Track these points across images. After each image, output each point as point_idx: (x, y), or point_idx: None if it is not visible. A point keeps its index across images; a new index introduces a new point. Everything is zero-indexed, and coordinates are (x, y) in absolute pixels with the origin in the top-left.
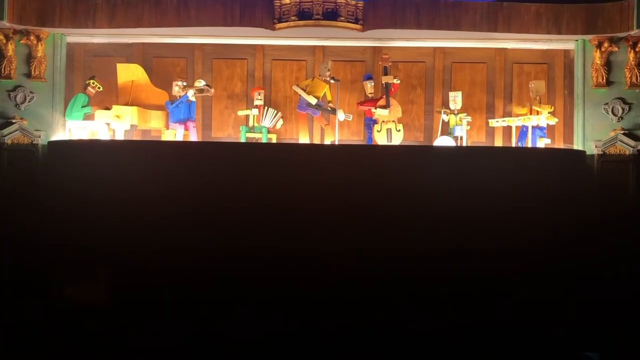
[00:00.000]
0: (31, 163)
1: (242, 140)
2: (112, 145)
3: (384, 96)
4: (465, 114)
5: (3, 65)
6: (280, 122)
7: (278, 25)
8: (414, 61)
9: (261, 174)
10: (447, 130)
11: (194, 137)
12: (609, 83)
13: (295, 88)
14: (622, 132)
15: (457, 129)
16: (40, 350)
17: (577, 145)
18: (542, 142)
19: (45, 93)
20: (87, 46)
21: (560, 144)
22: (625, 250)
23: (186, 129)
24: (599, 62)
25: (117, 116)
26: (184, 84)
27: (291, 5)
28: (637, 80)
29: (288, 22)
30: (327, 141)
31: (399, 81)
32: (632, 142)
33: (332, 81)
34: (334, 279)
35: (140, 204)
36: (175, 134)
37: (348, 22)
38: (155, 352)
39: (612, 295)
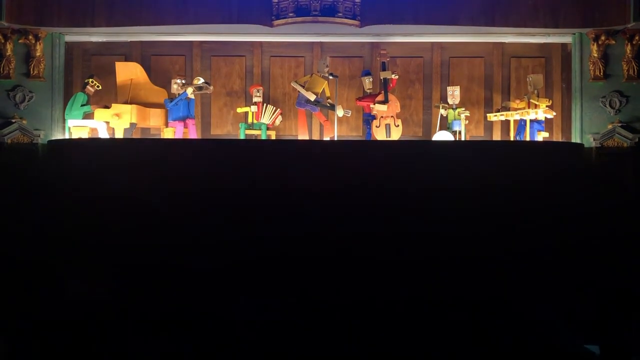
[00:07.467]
0: (31, 162)
1: (242, 137)
2: (111, 144)
3: (383, 92)
4: (463, 109)
5: (2, 65)
6: (279, 118)
7: (276, 22)
8: (412, 56)
9: (261, 170)
10: (445, 125)
11: (193, 134)
12: (606, 76)
13: (294, 84)
14: (619, 124)
15: (455, 124)
16: (41, 350)
17: (575, 139)
18: (541, 136)
19: (44, 92)
20: (86, 45)
21: (558, 138)
22: (623, 243)
23: (185, 126)
24: (596, 55)
25: (117, 115)
26: (183, 81)
27: (289, 1)
28: (634, 73)
29: (286, 19)
30: (326, 137)
31: (397, 76)
32: (629, 135)
33: (330, 77)
34: (335, 273)
35: (140, 202)
36: (174, 131)
37: (346, 17)
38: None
39: (612, 287)
